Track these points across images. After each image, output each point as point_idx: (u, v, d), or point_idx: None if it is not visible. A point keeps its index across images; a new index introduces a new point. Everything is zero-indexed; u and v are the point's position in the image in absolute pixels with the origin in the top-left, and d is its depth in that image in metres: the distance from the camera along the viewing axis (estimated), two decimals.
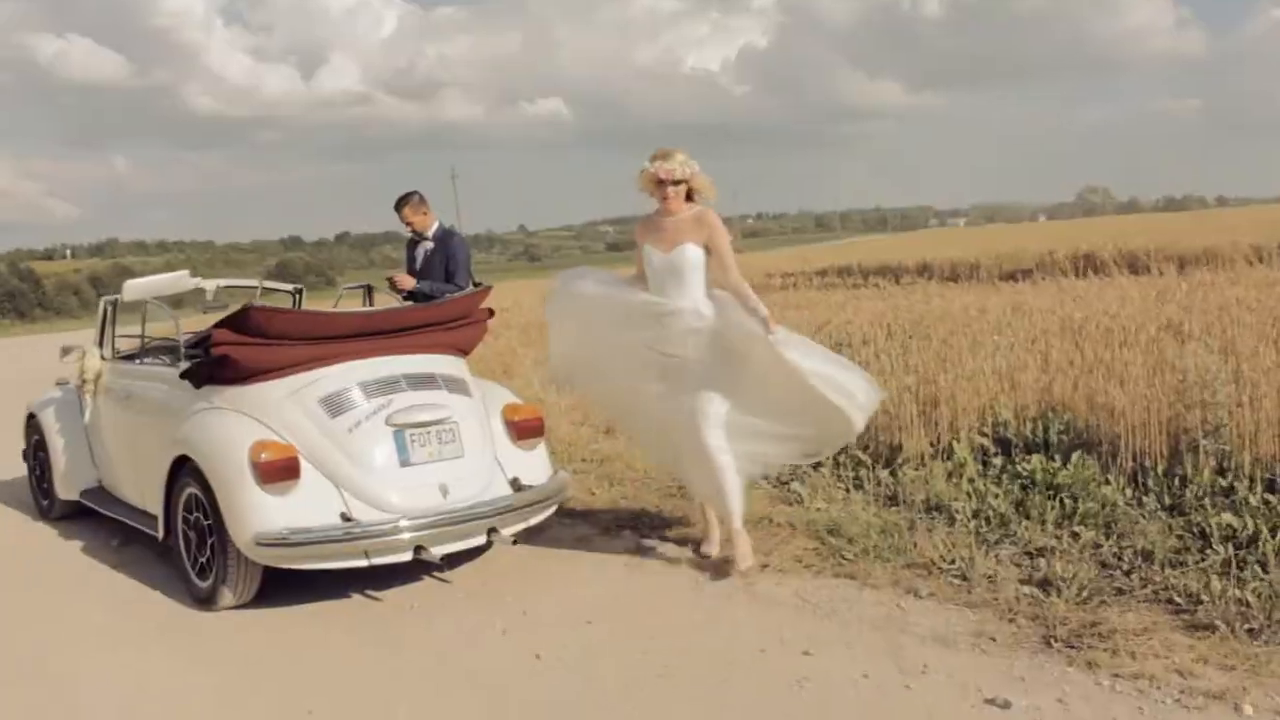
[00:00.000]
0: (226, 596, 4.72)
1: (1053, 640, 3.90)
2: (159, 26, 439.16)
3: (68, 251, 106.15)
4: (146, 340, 6.12)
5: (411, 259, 6.90)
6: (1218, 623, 3.92)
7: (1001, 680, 3.59)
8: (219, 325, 4.87)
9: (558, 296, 5.38)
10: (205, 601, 4.83)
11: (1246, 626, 3.90)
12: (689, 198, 4.99)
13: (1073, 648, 3.82)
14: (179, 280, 6.34)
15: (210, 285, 6.52)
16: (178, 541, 5.03)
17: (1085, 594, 4.28)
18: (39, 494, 6.98)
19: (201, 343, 5.21)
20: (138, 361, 5.98)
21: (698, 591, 4.73)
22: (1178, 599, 4.21)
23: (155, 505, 5.21)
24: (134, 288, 6.14)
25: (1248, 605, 4.04)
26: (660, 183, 4.89)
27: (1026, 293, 11.16)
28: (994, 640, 3.96)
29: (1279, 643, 3.74)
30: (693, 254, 4.86)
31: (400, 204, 6.83)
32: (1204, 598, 4.15)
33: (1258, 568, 4.35)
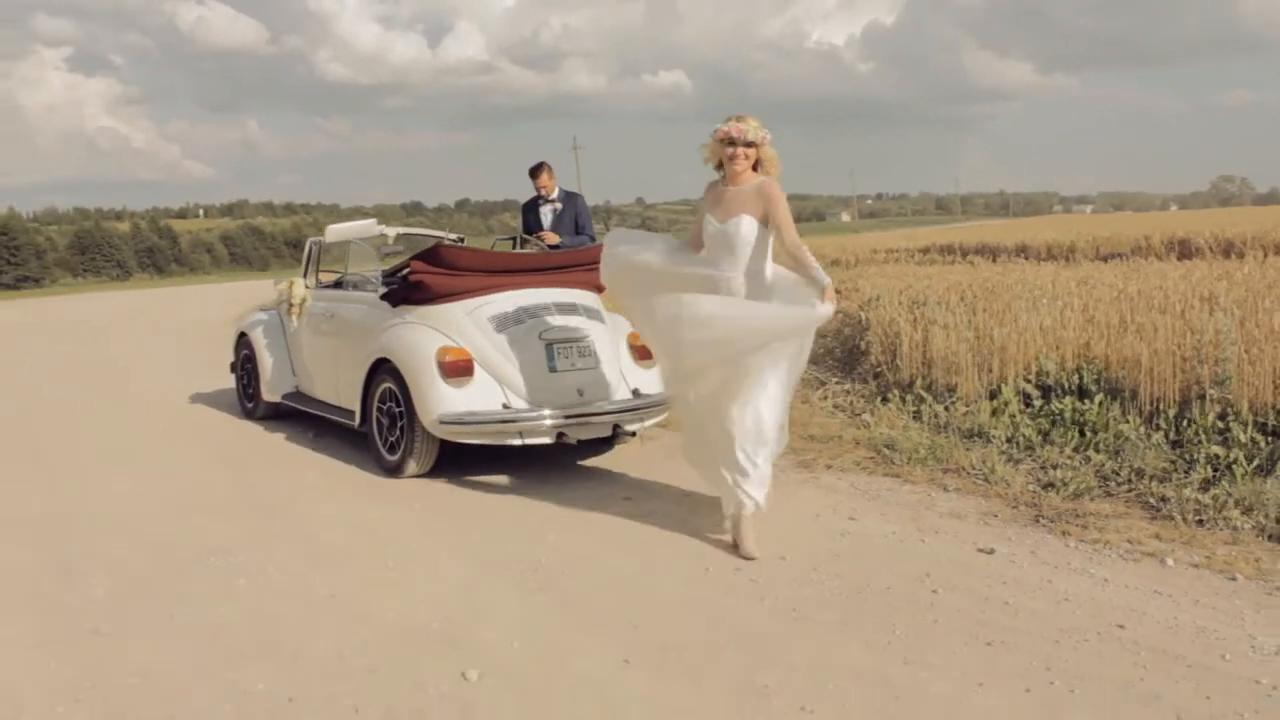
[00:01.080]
0: (411, 466, 6.18)
1: (1041, 519, 5.10)
2: None
3: (200, 211, 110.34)
4: (343, 273, 7.65)
5: (535, 218, 8.30)
6: (1175, 515, 5.06)
7: (993, 539, 4.81)
8: (415, 258, 6.34)
9: (609, 259, 5.32)
10: (393, 471, 6.29)
11: (1197, 519, 5.02)
12: (755, 168, 4.94)
13: (1055, 523, 5.01)
14: (368, 227, 7.81)
15: (391, 232, 8.00)
16: (371, 427, 6.51)
17: (1078, 493, 5.45)
18: (244, 399, 8.60)
19: (397, 273, 6.70)
20: (340, 289, 7.50)
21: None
22: (1152, 501, 5.33)
23: (353, 400, 6.71)
24: (334, 231, 7.65)
25: (1205, 506, 5.16)
26: (732, 142, 4.82)
27: (1104, 270, 12.07)
28: (996, 517, 5.17)
29: (1217, 529, 4.86)
30: (747, 227, 4.83)
31: (538, 170, 8.29)
32: (1172, 500, 5.29)
33: (1225, 484, 5.46)
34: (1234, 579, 4.24)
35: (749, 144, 4.83)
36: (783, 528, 5.03)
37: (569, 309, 6.27)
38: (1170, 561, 4.46)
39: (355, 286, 7.30)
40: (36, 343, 17.25)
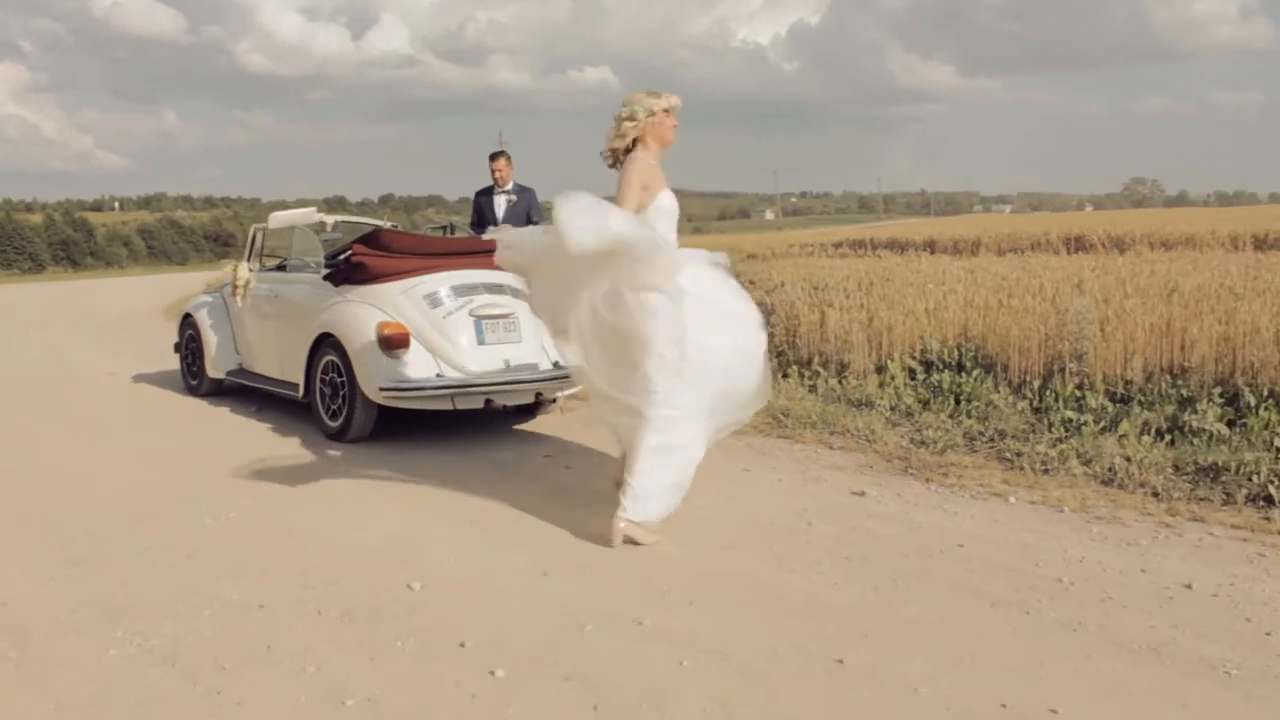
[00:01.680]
0: (353, 432, 6.77)
1: (909, 469, 5.87)
2: None
3: (116, 204, 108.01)
4: (286, 257, 8.20)
5: (489, 207, 8.52)
6: (1025, 466, 5.86)
7: (865, 485, 5.57)
8: (356, 241, 6.94)
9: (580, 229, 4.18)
10: (335, 436, 6.88)
11: (1044, 469, 5.83)
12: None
13: (921, 472, 5.78)
14: (309, 215, 8.36)
15: (330, 219, 8.55)
16: (314, 397, 7.08)
17: (944, 449, 6.24)
18: (188, 377, 9.08)
19: (338, 255, 7.29)
20: (283, 271, 8.05)
21: None
22: (1009, 456, 6.13)
23: (297, 373, 7.27)
24: (277, 218, 8.20)
25: (1052, 459, 5.97)
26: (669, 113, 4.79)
27: (997, 262, 13.03)
28: (871, 469, 5.93)
29: (1059, 476, 5.66)
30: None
31: (498, 155, 8.41)
32: (1025, 454, 6.10)
33: (1074, 441, 6.28)
34: (1061, 511, 5.03)
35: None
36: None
37: (497, 289, 6.90)
38: (1012, 500, 5.25)
39: (298, 269, 7.85)
40: None
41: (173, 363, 9.48)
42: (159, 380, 9.83)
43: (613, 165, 4.80)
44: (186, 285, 26.44)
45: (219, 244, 68.42)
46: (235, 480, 5.88)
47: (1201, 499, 5.16)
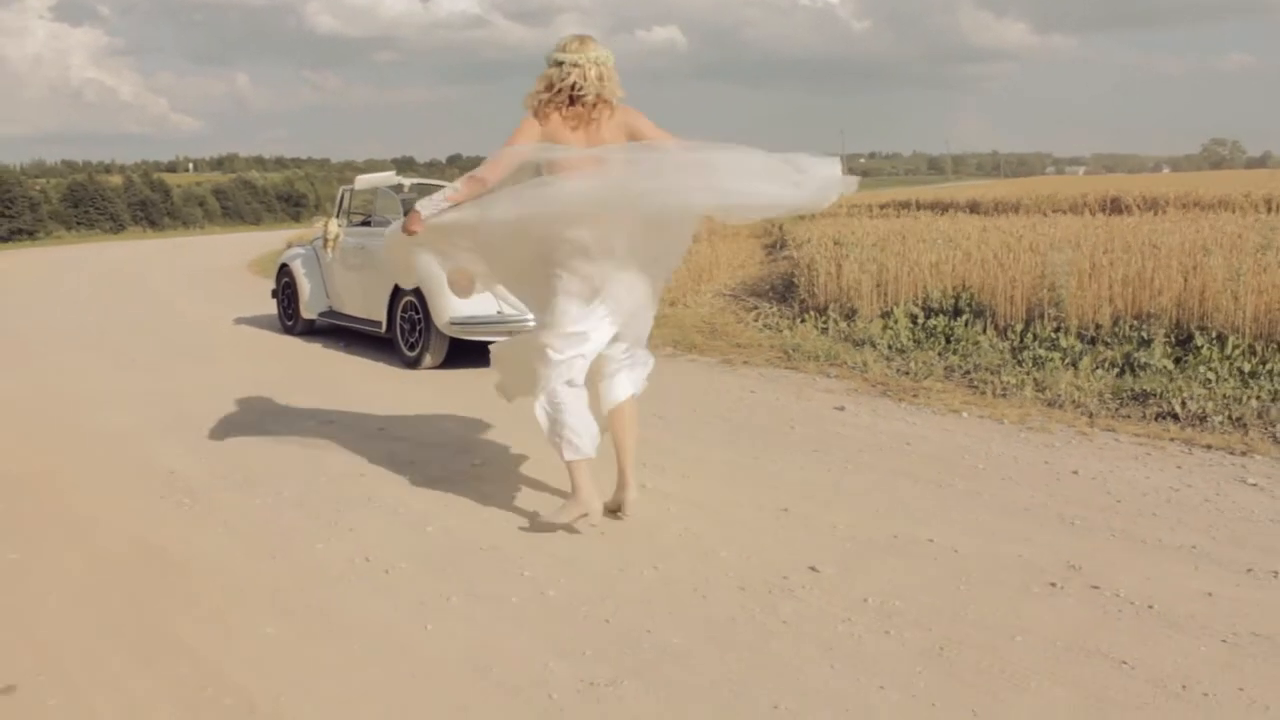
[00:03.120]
0: (428, 360, 8.08)
1: (888, 393, 7.02)
2: None
3: (190, 165, 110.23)
4: (370, 214, 9.54)
5: None
6: (986, 391, 6.98)
7: (846, 402, 6.73)
8: None
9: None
10: (412, 364, 8.20)
11: (1002, 393, 6.94)
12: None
13: (896, 394, 6.93)
14: (389, 177, 9.66)
15: (406, 182, 9.84)
16: (395, 331, 8.40)
17: (923, 377, 7.37)
18: (284, 318, 10.49)
19: None
20: (368, 226, 9.37)
21: (702, 371, 7.91)
22: (977, 384, 7.24)
23: (379, 312, 8.60)
24: (362, 181, 9.51)
25: (1010, 385, 7.06)
26: None
27: (1015, 221, 13.98)
28: (856, 392, 7.10)
29: (1013, 398, 6.76)
30: None
31: None
32: (990, 382, 7.20)
33: (1036, 372, 7.36)
34: (1002, 423, 6.16)
35: None
36: (698, 393, 6.96)
37: None
38: (965, 415, 6.38)
39: (380, 224, 9.16)
40: (87, 281, 19.07)
41: (266, 309, 10.90)
42: (255, 322, 11.26)
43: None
44: (263, 243, 28.09)
45: (290, 204, 69.92)
46: (333, 395, 7.22)
47: (1123, 416, 6.24)
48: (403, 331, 8.34)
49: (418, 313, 8.11)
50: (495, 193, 4.19)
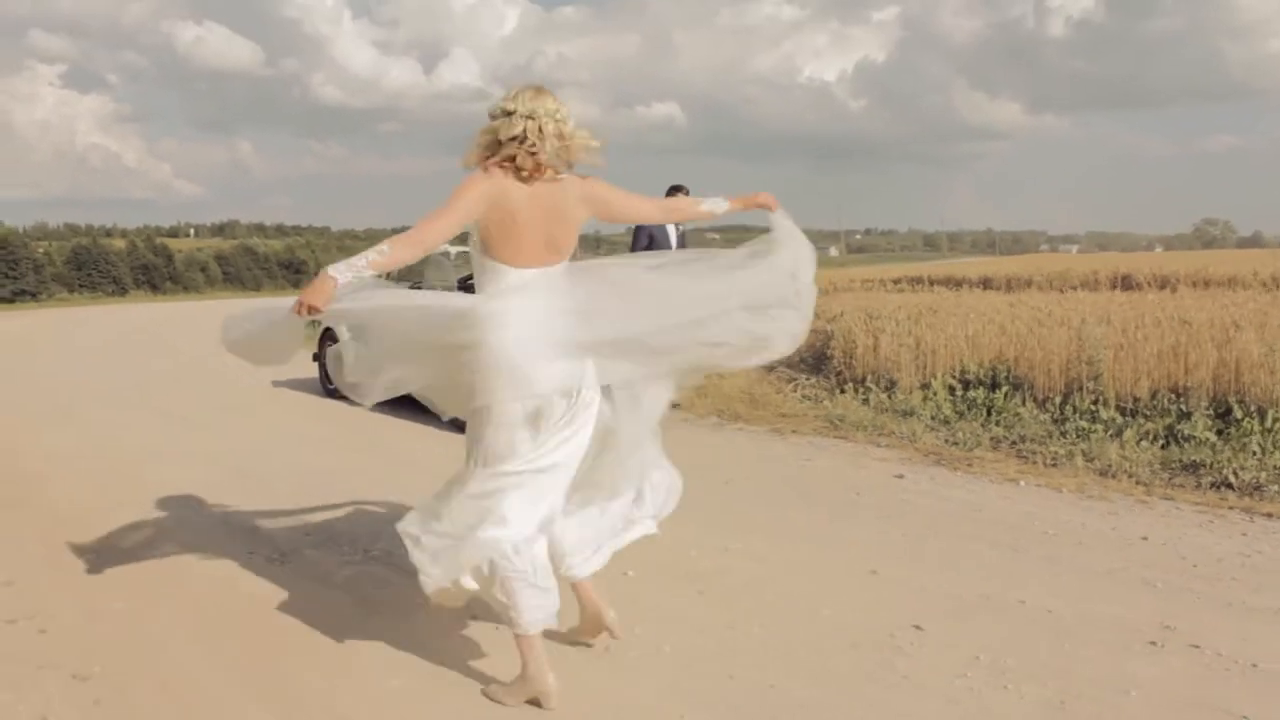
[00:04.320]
0: None
1: (941, 462, 7.15)
2: (291, 17, 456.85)
3: (191, 230, 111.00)
4: (420, 280, 9.73)
5: (661, 233, 8.82)
6: (1037, 461, 7.11)
7: (904, 471, 6.86)
8: None
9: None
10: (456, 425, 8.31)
11: (1052, 463, 7.07)
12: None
13: (951, 464, 7.05)
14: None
15: (453, 250, 10.06)
16: None
17: (972, 447, 7.51)
18: (325, 381, 10.63)
19: (464, 280, 8.76)
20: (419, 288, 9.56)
21: (753, 440, 8.04)
22: (1025, 454, 7.38)
23: None
24: None
25: (1060, 456, 7.20)
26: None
27: (1039, 297, 14.23)
28: (910, 460, 7.22)
29: (1065, 468, 6.89)
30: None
31: (678, 189, 8.68)
32: (1039, 452, 7.34)
33: (1082, 443, 7.50)
34: (1060, 492, 6.28)
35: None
36: (754, 460, 7.08)
37: None
38: (1022, 484, 6.51)
39: (431, 289, 9.34)
40: (102, 343, 19.22)
41: (301, 372, 11.06)
42: (295, 385, 11.40)
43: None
44: None
45: (291, 270, 70.24)
46: (385, 453, 7.33)
47: (1177, 485, 6.37)
48: None
49: None
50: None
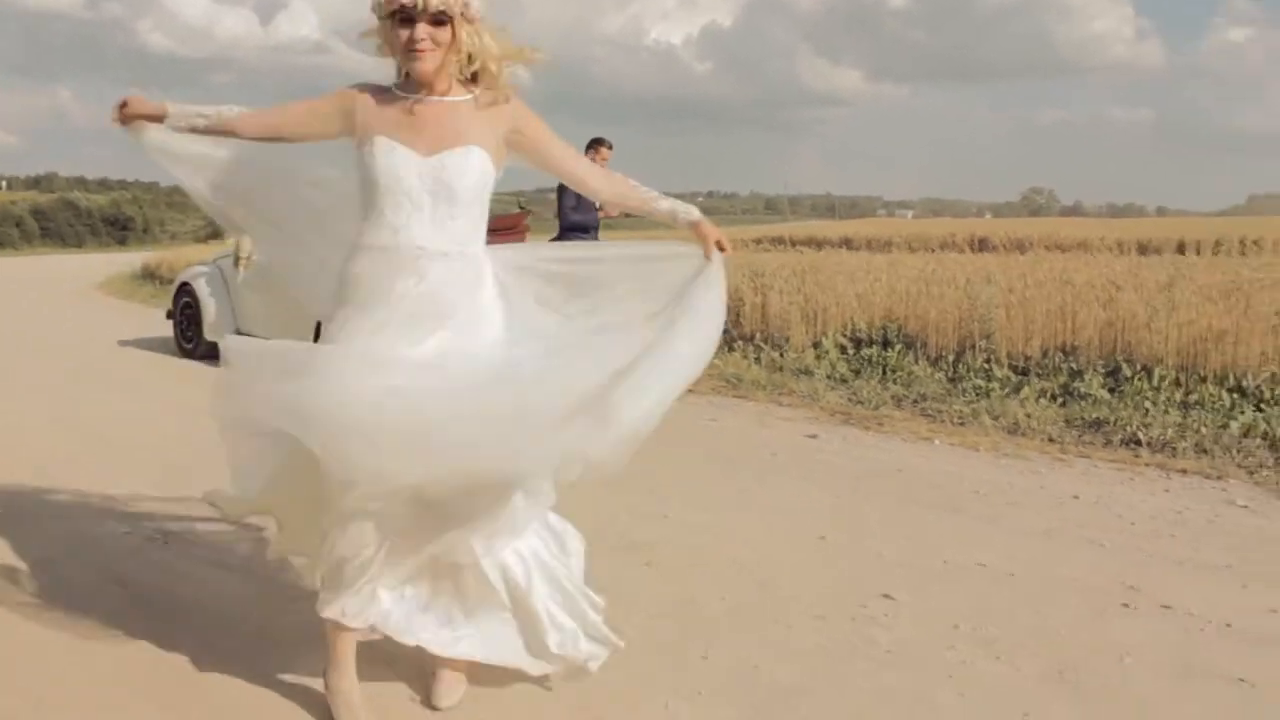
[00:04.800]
0: None
1: (850, 421, 7.00)
2: None
3: (3, 182, 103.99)
4: None
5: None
6: (945, 420, 7.03)
7: (816, 431, 6.67)
8: None
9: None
10: None
11: (959, 422, 7.00)
12: (474, 80, 2.75)
13: (860, 423, 6.91)
14: None
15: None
16: None
17: (878, 406, 7.39)
18: (182, 340, 9.84)
19: None
20: None
21: None
22: (930, 412, 7.30)
23: (297, 336, 8.12)
24: None
25: (967, 415, 7.14)
26: (407, 16, 2.61)
27: (911, 258, 14.36)
28: (817, 420, 7.05)
29: (973, 426, 6.83)
30: (478, 163, 2.72)
31: (599, 143, 8.22)
32: (944, 411, 7.27)
33: (984, 403, 7.47)
34: (977, 450, 6.20)
35: (439, 20, 2.62)
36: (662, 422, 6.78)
37: None
38: (937, 442, 6.40)
39: None
40: None
41: (150, 331, 10.24)
42: (147, 345, 10.54)
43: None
44: (95, 268, 26.14)
45: (118, 227, 66.50)
46: None
47: (1087, 443, 6.37)
48: None
49: None
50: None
